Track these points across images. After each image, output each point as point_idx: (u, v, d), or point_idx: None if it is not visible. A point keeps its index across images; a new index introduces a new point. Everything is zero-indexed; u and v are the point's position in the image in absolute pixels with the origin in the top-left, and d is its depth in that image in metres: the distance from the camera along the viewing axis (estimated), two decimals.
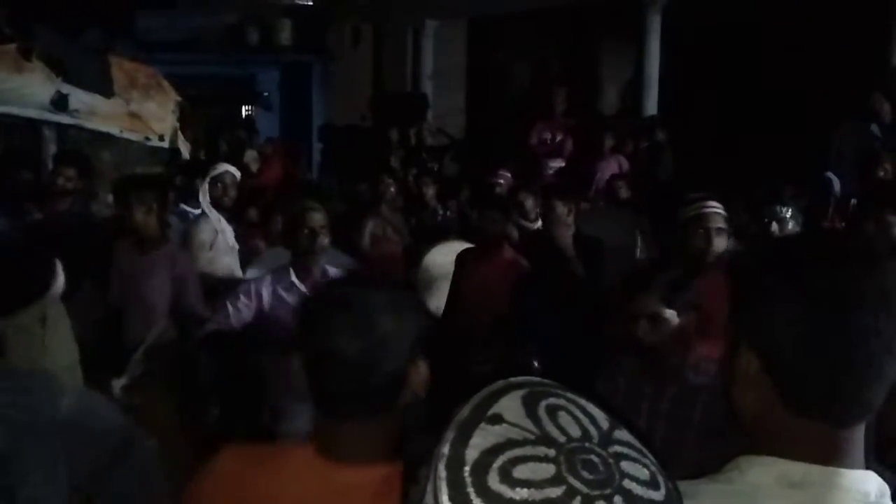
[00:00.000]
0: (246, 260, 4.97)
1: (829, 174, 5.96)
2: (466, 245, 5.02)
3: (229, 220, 5.10)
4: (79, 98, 6.11)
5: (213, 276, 4.68)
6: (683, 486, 1.05)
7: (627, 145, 8.42)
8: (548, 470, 0.76)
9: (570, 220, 4.54)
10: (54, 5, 6.96)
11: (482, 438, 0.79)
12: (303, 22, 11.30)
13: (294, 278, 3.61)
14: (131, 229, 4.38)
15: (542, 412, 0.81)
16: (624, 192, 6.43)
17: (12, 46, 6.02)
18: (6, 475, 1.81)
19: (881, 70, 7.37)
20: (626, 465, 0.79)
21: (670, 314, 2.33)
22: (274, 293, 3.61)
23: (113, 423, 2.63)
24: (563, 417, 0.81)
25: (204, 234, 4.85)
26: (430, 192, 6.63)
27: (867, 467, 1.06)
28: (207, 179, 5.01)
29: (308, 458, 1.40)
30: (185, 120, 6.92)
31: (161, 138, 6.53)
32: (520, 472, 0.76)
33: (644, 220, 5.67)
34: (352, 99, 11.43)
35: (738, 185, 5.87)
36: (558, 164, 8.37)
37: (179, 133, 6.76)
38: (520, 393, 0.84)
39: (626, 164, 7.97)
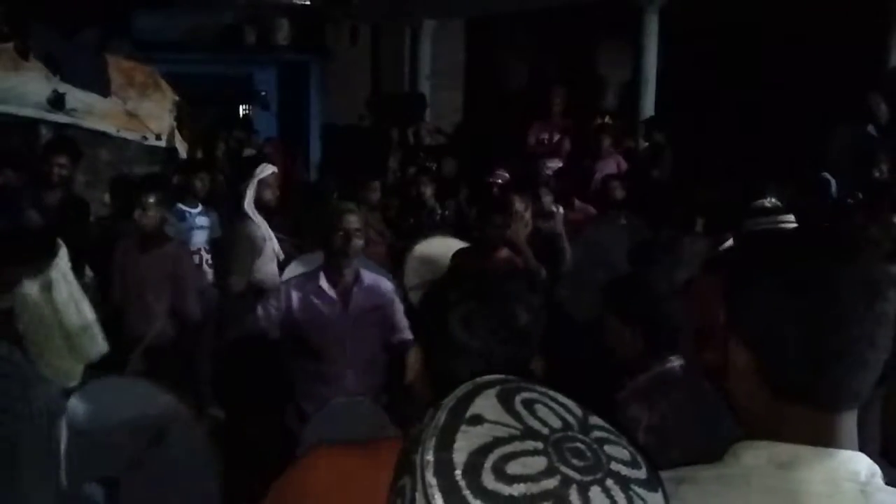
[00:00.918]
0: None
1: (826, 175, 5.98)
2: (455, 241, 5.05)
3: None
4: (76, 97, 6.11)
5: (261, 284, 4.52)
6: (684, 471, 1.10)
7: (625, 144, 8.43)
8: (539, 463, 0.77)
9: (528, 216, 4.58)
10: (51, 4, 6.94)
11: (466, 441, 0.79)
12: (300, 21, 11.28)
13: (324, 283, 3.55)
14: (131, 228, 4.39)
15: (519, 407, 0.82)
16: (619, 193, 6.41)
17: (9, 45, 6.02)
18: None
19: (879, 71, 7.38)
20: (609, 449, 0.81)
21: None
22: (303, 297, 3.55)
23: (146, 414, 2.73)
24: (541, 410, 0.82)
25: (254, 240, 4.64)
26: (428, 191, 6.63)
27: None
28: (254, 182, 4.76)
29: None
30: (183, 119, 6.91)
31: (158, 137, 6.53)
32: (513, 468, 0.77)
33: (638, 221, 5.69)
34: (350, 98, 11.42)
35: (734, 184, 5.89)
36: (556, 164, 8.37)
37: (177, 132, 6.76)
38: (493, 391, 0.84)
39: (623, 164, 7.97)
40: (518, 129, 9.03)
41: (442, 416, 0.83)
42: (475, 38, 11.48)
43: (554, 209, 5.77)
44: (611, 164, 7.86)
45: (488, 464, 0.77)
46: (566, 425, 0.81)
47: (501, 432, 0.79)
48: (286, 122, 11.93)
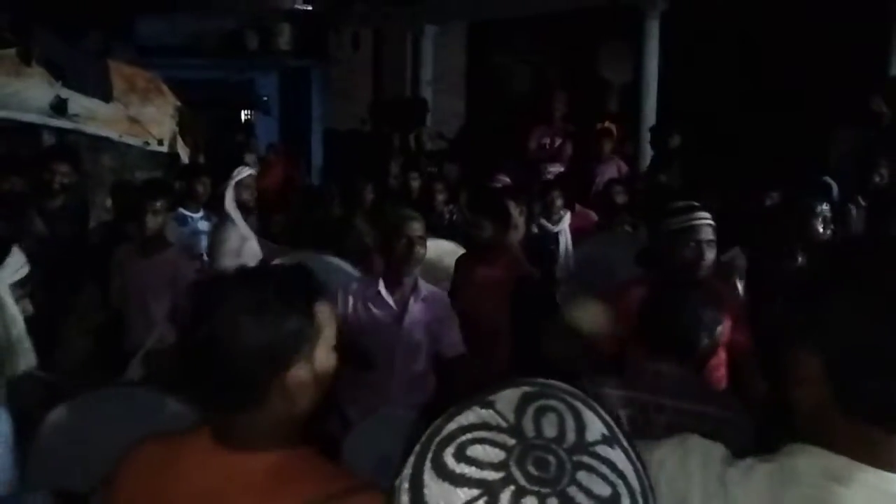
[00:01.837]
0: None
1: (828, 179, 5.96)
2: (450, 244, 5.05)
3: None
4: (78, 102, 6.12)
5: None
6: (745, 462, 1.12)
7: (627, 148, 8.43)
8: (497, 455, 0.78)
9: (521, 220, 4.58)
10: (54, 9, 6.96)
11: (465, 417, 0.82)
12: (302, 27, 11.31)
13: (382, 289, 3.50)
14: (132, 233, 4.39)
15: (530, 409, 0.83)
16: (621, 198, 6.40)
17: (12, 51, 6.04)
18: None
19: (880, 75, 7.38)
20: (582, 475, 0.79)
21: None
22: (360, 302, 3.51)
23: (149, 426, 2.66)
24: (548, 418, 0.82)
25: (233, 241, 4.68)
26: (440, 196, 6.60)
27: None
28: (232, 183, 4.83)
29: (204, 444, 1.42)
30: (185, 124, 6.92)
31: (160, 143, 6.53)
32: (473, 451, 0.79)
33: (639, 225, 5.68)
34: (351, 104, 11.44)
35: (735, 189, 5.89)
36: (557, 168, 8.38)
37: (178, 137, 6.77)
38: (525, 389, 0.85)
39: (625, 168, 7.97)
40: (519, 134, 9.04)
41: (478, 396, 0.85)
42: (476, 42, 11.50)
43: (563, 213, 5.82)
44: (612, 169, 7.86)
45: (460, 440, 0.80)
46: (558, 439, 0.81)
47: (492, 420, 0.81)
48: (288, 128, 11.96)
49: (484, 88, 11.53)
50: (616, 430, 0.85)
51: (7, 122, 6.02)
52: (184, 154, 6.81)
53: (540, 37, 10.93)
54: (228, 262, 4.58)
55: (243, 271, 1.49)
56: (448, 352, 3.52)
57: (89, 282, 4.55)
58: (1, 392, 2.23)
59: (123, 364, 3.81)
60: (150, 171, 6.33)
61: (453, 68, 11.43)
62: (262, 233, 5.66)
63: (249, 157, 9.05)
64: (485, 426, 0.81)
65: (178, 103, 6.88)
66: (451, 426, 0.82)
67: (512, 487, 0.77)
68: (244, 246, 4.72)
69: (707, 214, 3.15)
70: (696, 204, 3.22)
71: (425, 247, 3.51)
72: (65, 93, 6.05)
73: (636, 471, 0.83)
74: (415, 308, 3.50)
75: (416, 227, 3.46)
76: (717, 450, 1.17)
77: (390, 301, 3.50)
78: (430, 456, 0.80)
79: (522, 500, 0.76)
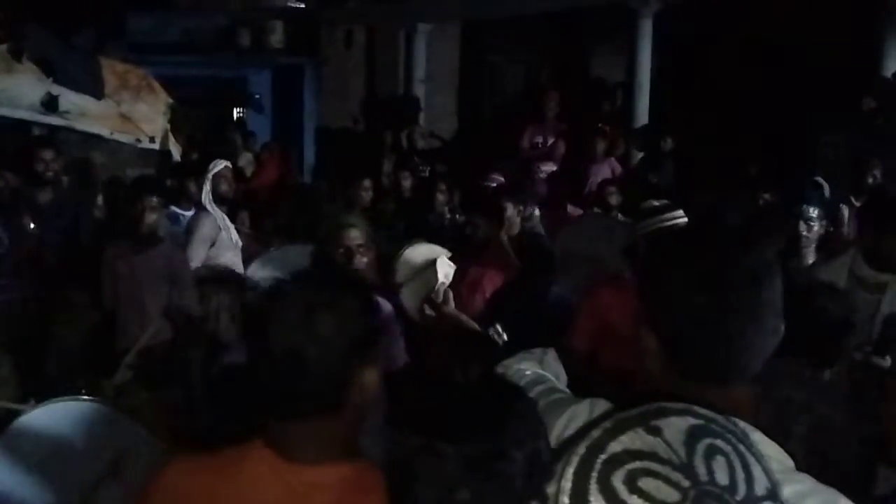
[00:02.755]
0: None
1: (819, 179, 5.99)
2: (438, 248, 5.03)
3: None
4: (69, 99, 6.10)
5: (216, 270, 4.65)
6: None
7: (619, 148, 8.42)
8: (671, 495, 0.77)
9: (517, 220, 4.59)
10: (46, 6, 6.92)
11: (631, 440, 0.81)
12: (295, 24, 11.29)
13: None
14: (124, 230, 4.37)
15: (700, 447, 0.81)
16: (615, 199, 6.38)
17: (3, 47, 6.01)
18: None
19: (873, 76, 7.41)
20: None
21: None
22: None
23: (100, 445, 2.52)
24: (718, 462, 0.81)
25: (206, 229, 4.83)
26: (441, 197, 6.56)
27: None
28: (209, 177, 4.97)
29: (266, 459, 1.37)
30: (176, 122, 6.90)
31: (152, 140, 6.52)
32: (645, 483, 0.77)
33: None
34: (344, 102, 11.43)
35: (727, 190, 5.90)
36: (550, 167, 8.37)
37: (170, 135, 6.75)
38: (692, 421, 0.84)
39: (618, 168, 7.97)
40: (512, 133, 9.04)
41: (634, 412, 0.85)
42: (469, 41, 11.49)
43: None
44: (605, 169, 7.85)
45: (629, 466, 0.78)
46: (730, 488, 0.79)
47: (664, 452, 0.79)
48: (280, 125, 11.93)
49: (477, 87, 11.53)
50: (776, 485, 0.85)
51: None
52: (175, 151, 6.79)
53: (533, 36, 10.94)
54: (201, 250, 4.75)
55: (293, 277, 1.44)
56: (391, 365, 3.45)
57: (81, 280, 4.52)
58: None
59: (114, 366, 3.78)
60: (142, 168, 6.31)
61: (446, 67, 11.42)
62: (256, 230, 5.65)
63: (245, 157, 9.03)
64: (655, 458, 0.79)
65: (170, 101, 6.86)
66: (616, 447, 0.80)
67: None
68: (219, 236, 4.85)
69: (681, 213, 3.09)
70: (670, 203, 3.16)
71: (367, 255, 3.13)
72: (56, 89, 6.03)
73: None
74: None
75: (355, 236, 3.09)
76: None
77: None
78: (594, 475, 0.78)
79: None
